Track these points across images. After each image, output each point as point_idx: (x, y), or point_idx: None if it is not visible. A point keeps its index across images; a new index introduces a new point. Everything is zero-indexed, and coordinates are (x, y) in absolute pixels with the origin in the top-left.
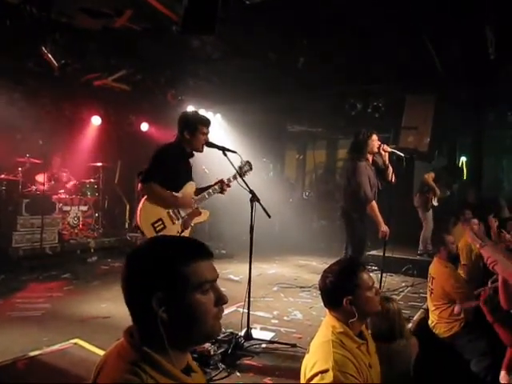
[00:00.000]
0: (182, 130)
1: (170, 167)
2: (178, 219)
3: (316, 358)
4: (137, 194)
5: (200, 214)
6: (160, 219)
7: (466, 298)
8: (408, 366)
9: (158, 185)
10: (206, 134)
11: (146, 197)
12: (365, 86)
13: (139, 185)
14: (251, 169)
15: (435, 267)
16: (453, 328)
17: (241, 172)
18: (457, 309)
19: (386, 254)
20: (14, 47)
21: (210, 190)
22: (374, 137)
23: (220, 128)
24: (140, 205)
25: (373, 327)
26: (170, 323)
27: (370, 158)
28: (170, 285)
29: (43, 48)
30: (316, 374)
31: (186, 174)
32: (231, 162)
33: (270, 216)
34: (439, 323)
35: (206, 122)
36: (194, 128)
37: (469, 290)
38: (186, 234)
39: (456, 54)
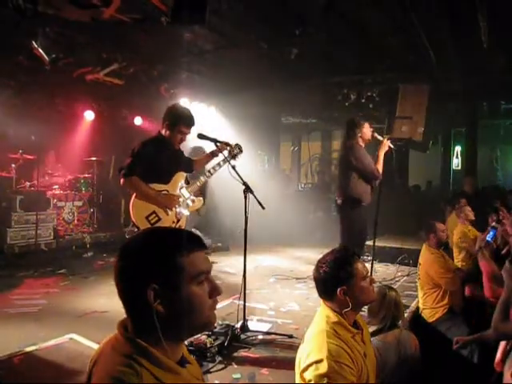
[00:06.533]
0: (162, 122)
1: (151, 160)
2: (171, 209)
3: (310, 348)
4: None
5: (193, 201)
6: (153, 212)
7: (451, 284)
8: (399, 358)
9: (139, 179)
10: (185, 133)
11: (135, 193)
12: (358, 76)
13: (121, 180)
14: (241, 151)
15: (423, 253)
16: (436, 314)
17: (231, 155)
18: None
19: (381, 244)
20: (3, 42)
21: (202, 177)
22: (366, 125)
23: (214, 120)
24: (131, 201)
25: (369, 313)
26: (166, 315)
27: (362, 144)
28: (166, 276)
29: (33, 42)
30: (310, 364)
31: (171, 165)
32: (223, 154)
33: (263, 207)
34: (425, 308)
35: (188, 122)
36: (174, 124)
37: (454, 276)
38: (183, 223)
39: (449, 43)
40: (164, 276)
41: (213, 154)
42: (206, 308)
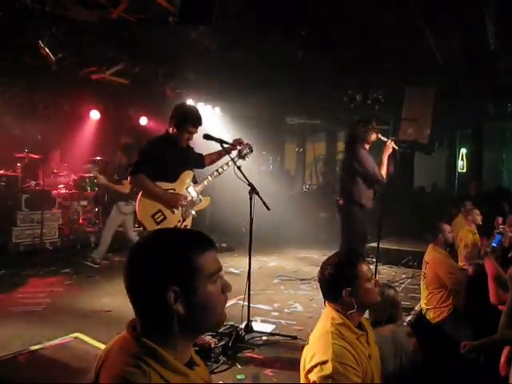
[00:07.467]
0: (170, 121)
1: (157, 158)
2: (177, 208)
3: (315, 350)
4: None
5: (200, 201)
6: (159, 210)
7: (457, 284)
8: (395, 355)
9: (146, 177)
10: (192, 133)
11: (141, 191)
12: (364, 78)
13: (128, 178)
14: (251, 151)
15: (429, 253)
16: (441, 314)
17: (240, 155)
18: None
19: (385, 246)
20: (10, 41)
21: (209, 177)
22: (371, 126)
23: (219, 121)
24: (137, 199)
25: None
26: (184, 316)
27: (367, 147)
28: (185, 277)
29: (40, 42)
30: (315, 366)
31: (178, 163)
32: (229, 154)
33: (268, 208)
34: (429, 309)
35: (195, 122)
36: (181, 123)
37: (460, 276)
38: (188, 222)
39: (456, 44)
40: (183, 277)
41: (226, 152)
42: (220, 305)
